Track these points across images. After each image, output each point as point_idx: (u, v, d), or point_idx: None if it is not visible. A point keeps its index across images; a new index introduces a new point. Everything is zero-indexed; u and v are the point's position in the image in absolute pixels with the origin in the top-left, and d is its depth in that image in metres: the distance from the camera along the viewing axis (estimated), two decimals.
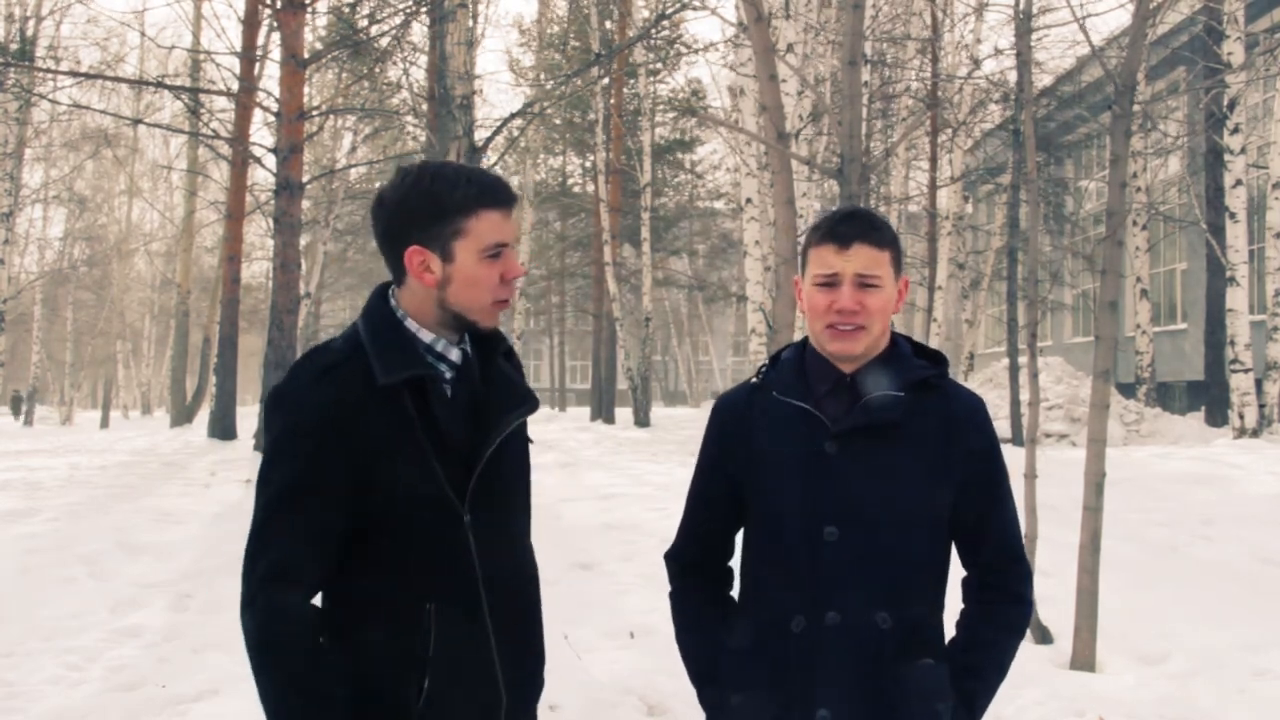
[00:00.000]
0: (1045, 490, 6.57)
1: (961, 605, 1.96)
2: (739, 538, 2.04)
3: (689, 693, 2.07)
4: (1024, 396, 14.14)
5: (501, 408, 1.80)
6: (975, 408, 1.93)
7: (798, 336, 2.07)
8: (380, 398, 1.72)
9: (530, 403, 1.85)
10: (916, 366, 1.92)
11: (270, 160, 13.33)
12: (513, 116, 11.04)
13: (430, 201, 1.74)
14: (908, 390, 1.88)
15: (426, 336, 1.80)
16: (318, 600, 1.78)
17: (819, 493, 1.85)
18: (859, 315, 1.85)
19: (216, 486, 9.46)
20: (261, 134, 24.31)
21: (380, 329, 1.77)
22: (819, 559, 1.84)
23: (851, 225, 1.88)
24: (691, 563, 2.04)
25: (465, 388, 1.81)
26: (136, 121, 21.08)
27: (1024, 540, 1.99)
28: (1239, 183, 14.86)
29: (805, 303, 1.92)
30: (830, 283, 1.87)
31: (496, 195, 1.75)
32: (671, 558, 2.06)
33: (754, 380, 2.00)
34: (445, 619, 1.76)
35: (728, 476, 1.96)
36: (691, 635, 2.01)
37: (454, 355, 1.81)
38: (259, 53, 16.05)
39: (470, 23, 10.94)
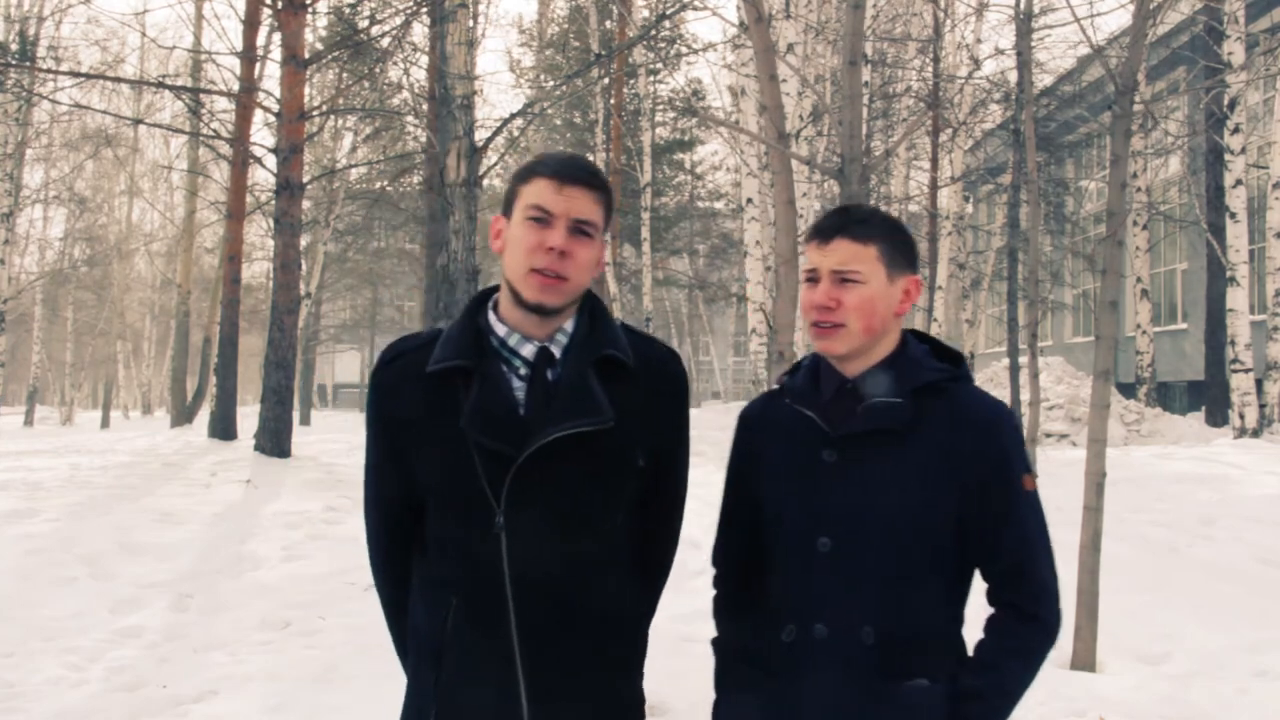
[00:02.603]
0: (1046, 490, 6.55)
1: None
2: None
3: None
4: (1024, 396, 14.14)
5: (550, 417, 1.69)
6: (988, 413, 1.80)
7: (798, 336, 2.02)
8: (430, 385, 1.73)
9: (589, 418, 1.70)
10: (926, 369, 1.81)
11: (270, 160, 13.33)
12: (513, 116, 11.01)
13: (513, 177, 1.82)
14: (911, 395, 1.77)
15: (501, 330, 1.76)
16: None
17: (815, 501, 1.79)
18: (835, 312, 1.78)
19: (217, 487, 9.45)
20: (262, 134, 24.34)
21: (460, 319, 1.79)
22: (811, 569, 1.78)
23: (833, 219, 1.82)
24: (728, 562, 2.00)
25: (539, 388, 1.73)
26: (137, 122, 21.11)
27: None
28: (1239, 183, 14.85)
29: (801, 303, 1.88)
30: (812, 278, 1.81)
31: (548, 165, 1.74)
32: (713, 561, 2.04)
33: (775, 387, 1.97)
34: (464, 615, 1.74)
35: (748, 487, 1.92)
36: (721, 628, 1.99)
37: (526, 351, 1.74)
38: (259, 53, 16.02)
39: (470, 23, 10.93)
